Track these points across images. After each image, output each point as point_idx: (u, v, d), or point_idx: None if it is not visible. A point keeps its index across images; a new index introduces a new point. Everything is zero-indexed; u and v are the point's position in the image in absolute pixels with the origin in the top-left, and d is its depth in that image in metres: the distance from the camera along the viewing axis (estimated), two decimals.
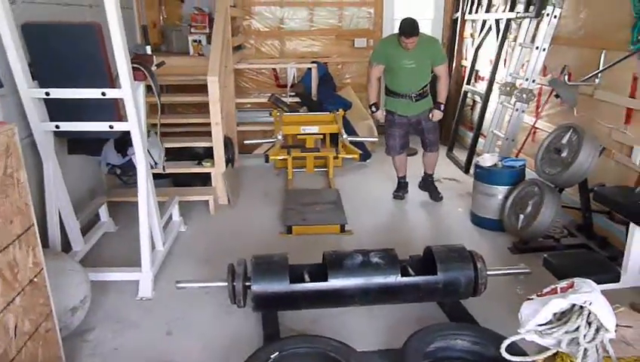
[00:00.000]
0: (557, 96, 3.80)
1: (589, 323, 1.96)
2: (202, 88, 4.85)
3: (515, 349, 2.07)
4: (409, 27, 3.71)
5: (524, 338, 2.06)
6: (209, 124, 4.22)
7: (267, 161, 4.38)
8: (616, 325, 1.97)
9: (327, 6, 6.09)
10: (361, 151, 4.75)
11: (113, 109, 2.70)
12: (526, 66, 4.29)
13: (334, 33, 6.18)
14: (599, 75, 3.46)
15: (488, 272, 2.66)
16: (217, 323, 2.69)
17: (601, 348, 1.95)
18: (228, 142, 4.52)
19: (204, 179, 4.42)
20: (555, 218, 3.21)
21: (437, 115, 4.07)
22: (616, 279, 2.51)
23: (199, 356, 2.45)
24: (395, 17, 6.24)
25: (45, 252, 2.08)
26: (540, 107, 4.22)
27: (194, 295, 2.86)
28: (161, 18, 5.92)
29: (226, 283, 2.56)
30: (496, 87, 4.92)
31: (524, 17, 4.34)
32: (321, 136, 5.00)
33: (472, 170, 4.94)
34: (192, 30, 5.08)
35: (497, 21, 4.93)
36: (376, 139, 4.98)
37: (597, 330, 1.95)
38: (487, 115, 4.95)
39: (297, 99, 5.43)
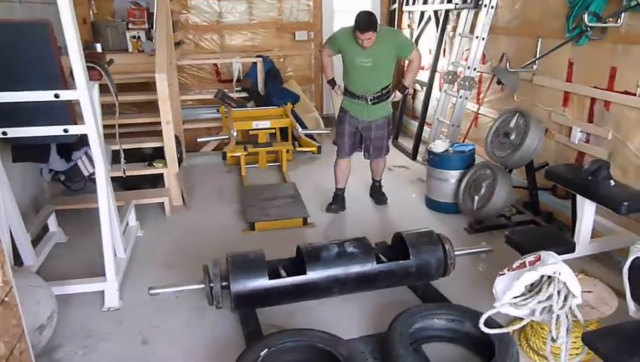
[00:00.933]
0: (499, 82, 4.03)
1: (558, 292, 2.13)
2: (145, 86, 4.69)
3: (491, 323, 2.20)
4: (364, 21, 3.27)
5: (498, 312, 2.21)
6: (156, 123, 4.07)
7: (225, 158, 4.28)
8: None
9: None
10: (319, 144, 4.78)
11: (66, 111, 2.53)
12: (466, 55, 4.50)
13: (275, 26, 6.14)
14: (537, 61, 3.71)
15: (455, 253, 2.79)
16: (193, 328, 2.63)
17: (570, 314, 2.13)
18: (176, 141, 4.38)
19: (154, 181, 4.26)
20: (509, 198, 3.42)
21: (397, 95, 3.78)
22: (572, 249, 2.72)
23: None
24: (336, 9, 6.30)
25: None
26: (482, 93, 4.45)
27: (164, 301, 2.77)
28: (91, 13, 5.59)
29: (203, 286, 2.51)
30: (437, 76, 5.12)
31: (463, 8, 4.55)
32: (273, 131, 4.97)
33: (419, 157, 5.16)
34: (130, 26, 4.85)
35: (436, 12, 5.12)
36: (328, 131, 5.03)
37: (565, 298, 2.12)
38: (431, 103, 5.14)
39: (244, 95, 5.35)
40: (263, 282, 2.48)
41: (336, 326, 2.53)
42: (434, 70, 5.09)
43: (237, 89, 5.37)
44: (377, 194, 4.17)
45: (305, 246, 2.68)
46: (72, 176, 3.51)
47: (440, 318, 2.44)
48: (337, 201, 3.99)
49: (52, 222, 3.43)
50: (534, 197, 3.63)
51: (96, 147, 2.63)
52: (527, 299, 2.17)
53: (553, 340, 2.07)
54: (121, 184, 4.24)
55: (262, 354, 2.14)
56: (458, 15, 4.75)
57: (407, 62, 3.82)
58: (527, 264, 2.25)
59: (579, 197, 2.77)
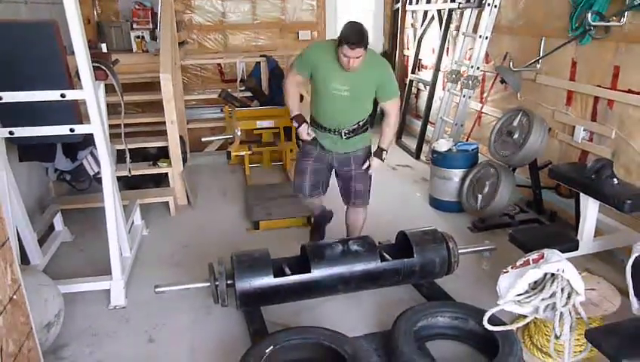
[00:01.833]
0: (502, 81, 4.04)
1: (562, 289, 2.14)
2: (149, 86, 4.71)
3: (495, 320, 2.22)
4: (355, 34, 2.50)
5: (502, 309, 2.22)
6: (160, 123, 4.09)
7: (229, 157, 4.30)
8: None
9: None
10: None
11: (73, 111, 2.55)
12: (470, 54, 4.50)
13: (278, 26, 6.14)
14: (540, 60, 3.71)
15: (459, 251, 2.80)
16: (199, 326, 2.65)
17: (574, 311, 2.14)
18: (180, 141, 4.40)
19: (158, 180, 4.29)
20: (512, 196, 3.43)
21: (375, 163, 2.90)
22: (576, 247, 2.73)
23: (189, 360, 2.41)
24: (339, 9, 6.31)
25: None
26: (486, 92, 4.46)
27: (169, 299, 2.79)
28: (95, 13, 5.62)
29: (208, 284, 2.53)
30: (440, 75, 5.13)
31: (466, 7, 4.55)
32: (277, 130, 4.99)
33: (422, 156, 5.17)
34: (135, 26, 4.87)
35: (439, 11, 5.13)
36: None
37: (569, 295, 2.13)
38: (435, 103, 5.15)
39: (248, 94, 5.37)
40: (268, 280, 2.50)
41: (341, 323, 2.54)
42: (437, 69, 5.09)
43: (241, 89, 5.39)
44: None
45: (309, 244, 2.71)
46: (77, 175, 3.51)
47: (444, 316, 2.45)
48: (316, 231, 3.38)
49: (58, 221, 3.46)
50: (538, 196, 3.64)
51: (103, 147, 2.65)
52: (530, 296, 2.18)
53: (557, 337, 2.09)
54: (126, 183, 4.27)
55: (267, 351, 2.15)
56: (461, 14, 4.75)
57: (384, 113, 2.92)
58: (531, 262, 2.26)
59: (582, 196, 2.78)
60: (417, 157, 5.22)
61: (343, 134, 2.84)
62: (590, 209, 2.70)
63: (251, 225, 3.74)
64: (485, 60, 4.42)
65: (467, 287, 2.88)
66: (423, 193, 4.28)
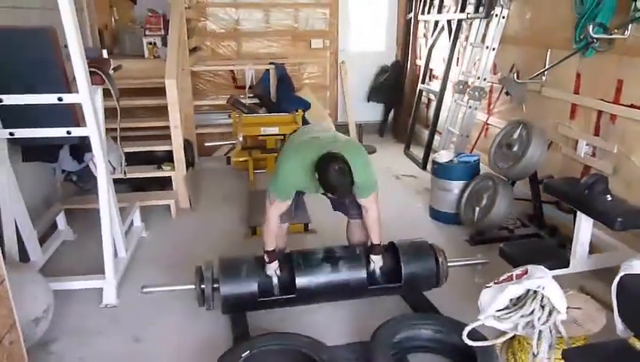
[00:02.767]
0: (507, 93, 3.99)
1: (543, 307, 2.10)
2: (159, 91, 4.80)
3: (476, 335, 2.18)
4: (343, 186, 2.35)
5: (483, 324, 2.19)
6: (168, 127, 4.17)
7: (229, 163, 4.36)
8: (567, 307, 2.12)
9: (283, 7, 6.11)
10: None
11: (70, 114, 2.64)
12: (477, 65, 4.47)
13: (290, 34, 6.21)
14: (545, 72, 3.66)
15: (449, 263, 2.78)
16: (186, 327, 2.68)
17: (554, 329, 2.09)
18: (187, 145, 4.48)
19: (163, 183, 4.37)
20: (509, 210, 3.38)
21: (377, 261, 2.70)
22: (566, 264, 2.67)
23: (171, 360, 2.44)
24: (352, 17, 6.35)
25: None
26: (492, 104, 4.41)
27: (160, 300, 2.83)
28: (113, 20, 5.79)
29: (194, 286, 2.56)
30: (449, 86, 5.10)
31: (475, 18, 4.52)
32: (282, 137, 5.02)
33: (429, 166, 5.12)
34: (147, 32, 5.00)
35: (449, 22, 5.11)
36: None
37: (550, 313, 2.09)
38: (442, 113, 5.12)
39: (256, 101, 5.44)
40: (252, 287, 2.52)
41: (326, 331, 2.55)
42: (445, 80, 5.07)
43: (249, 95, 5.46)
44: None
45: (295, 252, 2.71)
46: (83, 176, 3.62)
47: (426, 328, 2.43)
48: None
49: (61, 220, 3.56)
50: (538, 210, 3.57)
51: (98, 149, 2.72)
52: (510, 312, 2.14)
53: (534, 356, 2.05)
54: (132, 185, 4.38)
55: (243, 355, 2.17)
56: (470, 25, 4.72)
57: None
58: (514, 277, 2.22)
59: (578, 212, 2.72)
60: (424, 167, 5.18)
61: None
62: (583, 225, 2.64)
63: (249, 230, 3.78)
64: (493, 71, 4.38)
65: (456, 300, 2.84)
66: (424, 204, 4.25)
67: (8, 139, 2.69)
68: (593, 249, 2.94)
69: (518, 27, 4.12)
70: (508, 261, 2.71)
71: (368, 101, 6.57)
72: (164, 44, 4.91)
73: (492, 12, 4.21)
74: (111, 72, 2.89)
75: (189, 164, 4.45)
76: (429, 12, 5.68)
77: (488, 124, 4.49)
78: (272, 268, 2.63)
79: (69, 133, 2.64)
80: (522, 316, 2.10)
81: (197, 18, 5.85)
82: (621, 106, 3.04)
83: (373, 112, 6.66)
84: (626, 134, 3.01)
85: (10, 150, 2.85)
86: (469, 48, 4.65)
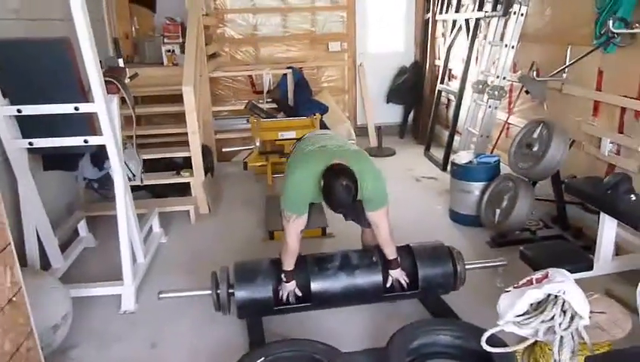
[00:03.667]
0: (527, 92, 3.89)
1: (564, 312, 2.02)
2: (178, 98, 4.86)
3: (495, 341, 2.12)
4: (343, 205, 2.33)
5: (503, 330, 2.13)
6: (186, 134, 4.21)
7: (245, 168, 4.38)
8: (590, 312, 2.04)
9: (300, 11, 6.13)
10: None
11: (87, 123, 2.68)
12: (496, 64, 4.38)
13: (308, 38, 6.22)
14: (566, 69, 3.56)
15: (466, 266, 2.71)
16: (203, 333, 2.69)
17: (577, 335, 2.02)
18: (206, 151, 4.52)
19: (182, 189, 4.41)
20: (530, 211, 3.29)
21: (397, 275, 2.61)
22: (590, 267, 2.58)
23: None
24: (369, 19, 6.31)
25: (24, 271, 2.05)
26: (512, 103, 4.32)
27: (178, 306, 2.85)
28: (133, 29, 5.88)
29: (210, 292, 2.57)
30: (469, 85, 5.01)
31: (493, 16, 4.44)
32: None
33: (449, 168, 5.04)
34: (166, 40, 5.07)
35: (467, 21, 5.03)
36: (354, 140, 5.02)
37: (572, 318, 2.01)
38: (462, 113, 5.03)
39: (274, 105, 5.45)
40: (267, 292, 2.51)
41: (343, 336, 2.53)
42: (464, 79, 4.98)
43: (267, 100, 5.48)
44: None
45: (310, 256, 2.69)
46: (104, 183, 3.68)
47: (445, 334, 2.37)
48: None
49: (82, 227, 3.62)
50: (562, 210, 3.47)
51: (114, 157, 2.76)
52: (530, 318, 2.07)
53: None
54: (151, 192, 4.44)
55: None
56: (488, 23, 4.64)
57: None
58: (534, 281, 2.15)
59: (601, 213, 2.63)
60: (444, 168, 5.10)
61: None
62: (607, 226, 2.55)
63: (267, 235, 3.78)
64: (513, 70, 4.28)
65: (477, 304, 2.77)
66: (443, 206, 4.18)
67: (28, 148, 2.76)
68: (619, 250, 2.84)
69: (537, 24, 4.02)
70: (528, 264, 2.64)
71: (388, 102, 6.52)
72: (183, 51, 4.97)
73: (510, 9, 4.12)
74: (127, 80, 2.93)
75: (208, 169, 4.48)
76: (446, 11, 5.60)
77: (509, 124, 4.39)
78: (289, 289, 2.56)
79: (86, 141, 2.69)
80: (543, 321, 2.03)
81: (215, 25, 5.91)
82: None
83: (393, 114, 6.61)
84: None
85: (32, 159, 2.92)
86: (487, 47, 4.56)
